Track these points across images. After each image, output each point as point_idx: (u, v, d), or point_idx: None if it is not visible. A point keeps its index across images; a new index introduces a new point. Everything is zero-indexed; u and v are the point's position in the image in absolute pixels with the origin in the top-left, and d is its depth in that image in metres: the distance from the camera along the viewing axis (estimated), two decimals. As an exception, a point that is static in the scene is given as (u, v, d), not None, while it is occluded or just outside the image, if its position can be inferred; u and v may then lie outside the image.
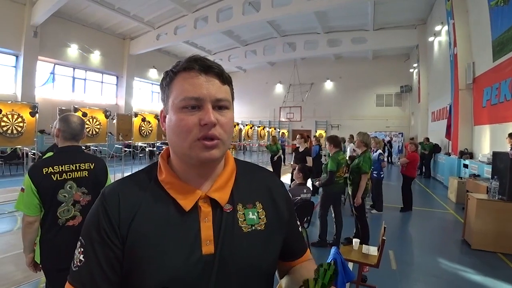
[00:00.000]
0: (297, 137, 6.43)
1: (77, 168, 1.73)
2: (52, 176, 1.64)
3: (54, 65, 13.98)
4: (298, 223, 0.78)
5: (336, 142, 4.09)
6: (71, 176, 1.70)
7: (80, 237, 0.61)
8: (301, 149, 5.89)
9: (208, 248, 0.58)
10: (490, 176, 4.67)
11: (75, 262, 0.60)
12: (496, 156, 4.42)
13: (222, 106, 0.60)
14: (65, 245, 1.62)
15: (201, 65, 0.59)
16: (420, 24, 13.81)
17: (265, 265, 0.64)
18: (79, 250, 0.60)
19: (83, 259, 0.59)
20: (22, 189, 1.64)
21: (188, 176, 0.63)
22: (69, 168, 1.70)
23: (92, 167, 1.78)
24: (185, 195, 0.61)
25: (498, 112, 6.67)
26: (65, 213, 1.68)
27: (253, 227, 0.63)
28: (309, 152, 5.93)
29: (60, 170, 1.67)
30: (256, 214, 0.65)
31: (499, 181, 4.10)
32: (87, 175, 1.76)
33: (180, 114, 0.58)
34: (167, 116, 0.62)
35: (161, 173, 0.64)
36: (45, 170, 1.64)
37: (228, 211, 0.62)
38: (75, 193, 1.71)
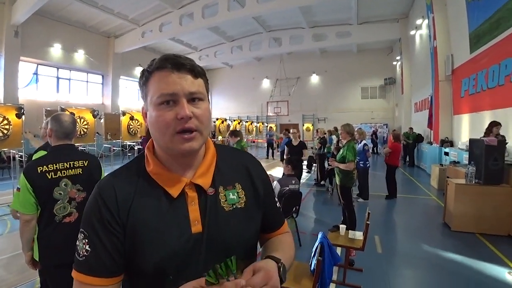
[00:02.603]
0: (291, 131, 6.72)
1: (71, 166, 1.76)
2: (47, 174, 1.67)
3: (37, 66, 13.63)
4: (278, 203, 0.87)
5: (235, 134, 5.26)
6: (65, 174, 1.72)
7: (82, 229, 0.66)
8: (295, 143, 6.03)
9: (196, 227, 0.67)
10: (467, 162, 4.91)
11: (81, 253, 0.64)
12: (473, 143, 4.64)
13: (196, 98, 0.66)
14: (62, 242, 1.66)
15: (172, 64, 0.64)
16: (402, 18, 14.07)
17: (247, 237, 0.73)
18: (84, 241, 0.65)
19: (89, 249, 0.64)
20: (18, 189, 1.66)
21: (173, 165, 0.70)
22: (63, 166, 1.72)
23: (86, 164, 1.81)
24: (172, 183, 0.68)
25: (475, 102, 6.96)
26: (62, 210, 1.70)
27: (234, 206, 0.72)
28: (305, 145, 6.05)
29: (55, 168, 1.69)
30: (236, 194, 0.73)
31: (476, 166, 4.32)
32: (81, 172, 1.78)
33: (159, 110, 0.64)
34: (147, 112, 0.68)
35: (149, 164, 0.71)
36: (40, 168, 1.66)
37: (211, 194, 0.70)
38: (70, 190, 1.73)
